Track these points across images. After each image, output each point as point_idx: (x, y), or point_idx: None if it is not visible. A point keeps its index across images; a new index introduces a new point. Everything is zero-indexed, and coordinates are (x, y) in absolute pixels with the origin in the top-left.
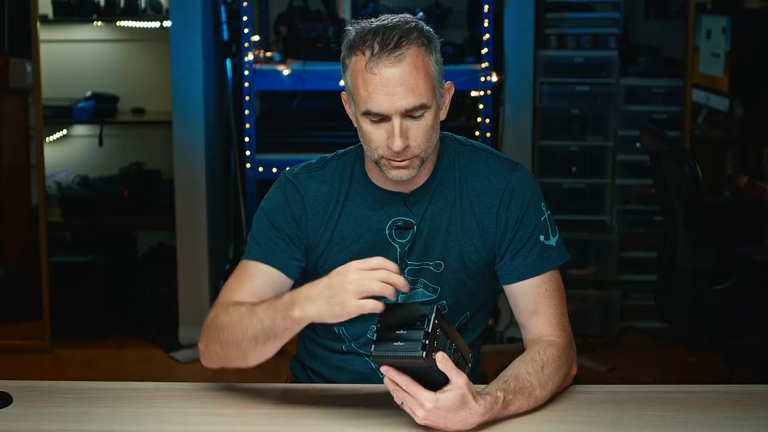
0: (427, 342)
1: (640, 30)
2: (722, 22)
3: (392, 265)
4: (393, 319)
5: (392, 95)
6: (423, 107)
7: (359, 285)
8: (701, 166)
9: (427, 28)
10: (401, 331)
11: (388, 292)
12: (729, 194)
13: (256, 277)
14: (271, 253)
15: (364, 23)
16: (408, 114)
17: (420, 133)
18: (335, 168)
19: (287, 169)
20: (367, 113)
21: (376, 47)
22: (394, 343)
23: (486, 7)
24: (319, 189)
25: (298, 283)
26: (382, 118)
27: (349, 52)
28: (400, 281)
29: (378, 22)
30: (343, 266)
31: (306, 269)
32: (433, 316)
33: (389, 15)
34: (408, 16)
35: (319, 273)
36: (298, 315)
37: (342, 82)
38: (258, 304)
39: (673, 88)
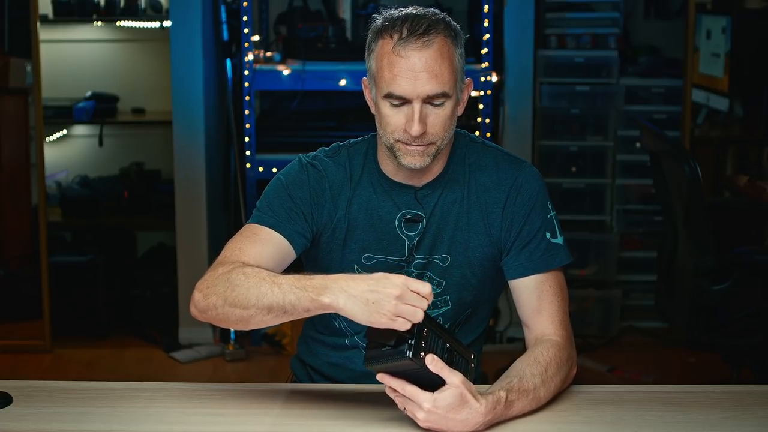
0: (413, 342)
1: (640, 30)
2: (722, 22)
3: (431, 296)
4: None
5: (416, 79)
6: (444, 95)
7: (400, 305)
8: (701, 166)
9: (455, 23)
10: (389, 337)
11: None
12: (729, 194)
13: (265, 242)
14: (284, 223)
15: (393, 11)
16: (429, 100)
17: (438, 121)
18: (348, 155)
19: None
20: (389, 96)
21: (405, 31)
22: (383, 349)
23: (486, 7)
24: (336, 173)
25: (298, 261)
26: (403, 101)
27: (375, 36)
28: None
29: (406, 11)
30: (392, 276)
31: (309, 252)
32: (422, 318)
33: (417, 6)
34: (436, 10)
35: (323, 257)
36: (328, 302)
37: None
38: (281, 276)
39: (673, 88)
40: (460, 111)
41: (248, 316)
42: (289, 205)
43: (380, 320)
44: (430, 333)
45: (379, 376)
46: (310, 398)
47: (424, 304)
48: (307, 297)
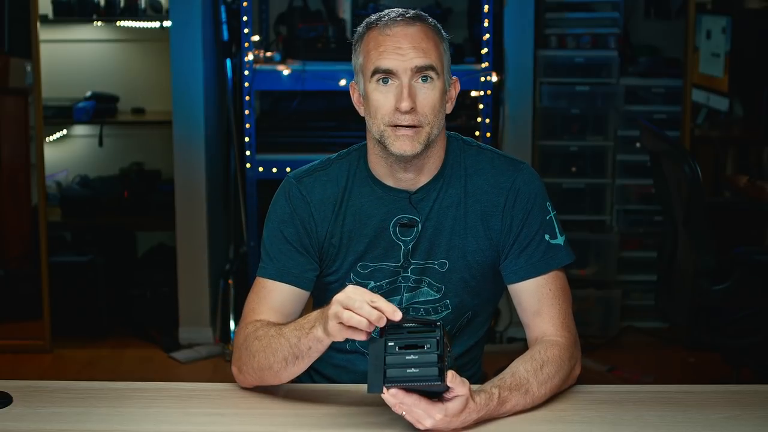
0: (441, 366)
1: (640, 30)
2: (722, 22)
3: (393, 314)
4: (399, 340)
5: (404, 53)
6: (432, 69)
7: (348, 315)
8: (701, 166)
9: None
10: (411, 356)
11: (363, 335)
12: (729, 194)
13: (274, 293)
14: (285, 270)
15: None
16: (417, 74)
17: (427, 101)
18: (339, 167)
19: (289, 171)
20: (376, 72)
21: (392, 15)
22: (408, 370)
23: (486, 7)
24: (324, 191)
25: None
26: (392, 78)
27: (362, 33)
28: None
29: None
30: (354, 288)
31: (320, 274)
32: (441, 335)
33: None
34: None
35: (325, 270)
36: (317, 334)
37: (340, 81)
38: (286, 324)
39: (673, 88)
40: (449, 109)
41: (275, 373)
42: (285, 248)
43: (335, 336)
44: (447, 349)
45: (393, 392)
46: (310, 398)
47: (375, 316)
48: (303, 335)
